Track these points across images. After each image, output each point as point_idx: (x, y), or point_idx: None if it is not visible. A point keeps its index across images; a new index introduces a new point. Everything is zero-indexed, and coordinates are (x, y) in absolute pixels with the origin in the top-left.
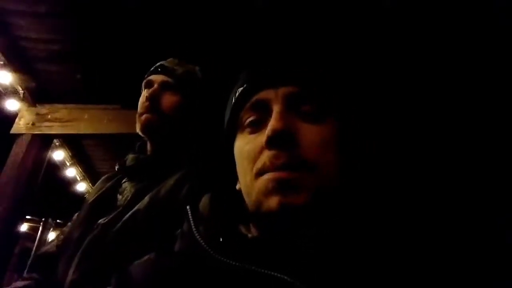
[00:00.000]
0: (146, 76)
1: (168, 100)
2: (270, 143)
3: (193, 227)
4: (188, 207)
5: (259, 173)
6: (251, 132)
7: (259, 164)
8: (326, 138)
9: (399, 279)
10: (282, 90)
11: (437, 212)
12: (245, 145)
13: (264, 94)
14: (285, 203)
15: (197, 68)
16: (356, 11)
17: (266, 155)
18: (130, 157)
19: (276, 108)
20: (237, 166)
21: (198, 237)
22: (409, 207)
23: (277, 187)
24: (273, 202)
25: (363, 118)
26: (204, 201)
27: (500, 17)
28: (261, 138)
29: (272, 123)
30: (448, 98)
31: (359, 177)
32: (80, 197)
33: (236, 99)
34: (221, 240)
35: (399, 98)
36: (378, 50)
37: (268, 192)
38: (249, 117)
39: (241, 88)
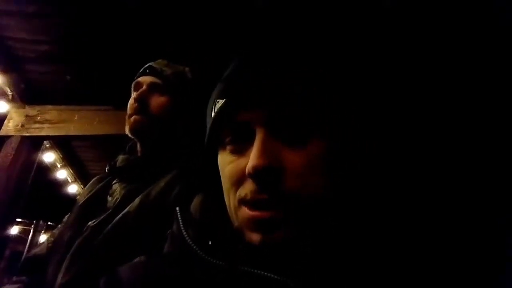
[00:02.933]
0: (135, 77)
1: (156, 101)
2: (252, 178)
3: (182, 229)
4: (177, 208)
5: (241, 202)
6: (233, 152)
7: (242, 192)
8: (313, 163)
9: (397, 282)
10: (264, 112)
11: (437, 216)
12: (227, 165)
13: (245, 115)
14: (267, 240)
15: (187, 69)
16: (356, 12)
17: (248, 186)
18: (120, 158)
19: (258, 135)
20: (221, 179)
21: (187, 239)
22: (408, 210)
23: (258, 227)
24: (255, 237)
25: (355, 130)
26: (195, 202)
27: (500, 17)
28: (244, 161)
29: (253, 158)
30: (449, 99)
31: (352, 188)
32: (72, 199)
33: (216, 115)
34: (210, 243)
35: (398, 102)
36: (378, 53)
37: (249, 228)
38: (229, 136)
39: (221, 102)
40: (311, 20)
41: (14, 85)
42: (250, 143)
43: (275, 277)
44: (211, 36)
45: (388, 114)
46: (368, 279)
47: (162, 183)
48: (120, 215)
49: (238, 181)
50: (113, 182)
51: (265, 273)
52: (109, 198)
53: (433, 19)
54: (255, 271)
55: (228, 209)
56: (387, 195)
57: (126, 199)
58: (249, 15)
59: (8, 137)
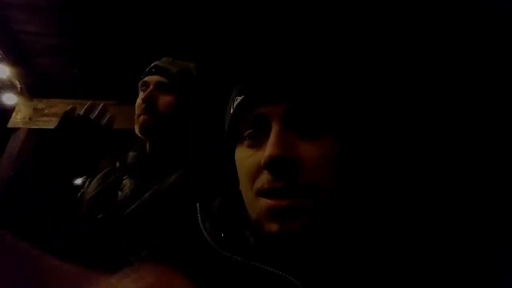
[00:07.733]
0: (141, 77)
1: (164, 100)
2: (268, 168)
3: (200, 222)
4: (198, 204)
5: (259, 194)
6: (250, 146)
7: (258, 184)
8: (326, 155)
9: (398, 283)
10: (281, 107)
11: (436, 218)
12: (245, 160)
13: (262, 109)
14: (285, 229)
15: (192, 65)
16: (357, 13)
17: (265, 177)
18: (130, 154)
19: (274, 128)
20: (238, 175)
21: (204, 231)
22: (409, 211)
23: (276, 216)
24: (273, 227)
25: (365, 129)
26: (215, 203)
27: (501, 18)
28: (260, 155)
29: (269, 148)
30: (451, 101)
31: (359, 187)
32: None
33: (234, 111)
34: (222, 235)
35: (401, 102)
36: (382, 53)
37: (267, 218)
38: (247, 130)
39: (239, 99)
40: (325, 22)
41: (22, 78)
42: (267, 137)
43: (283, 274)
44: (216, 31)
45: (400, 114)
46: (369, 281)
47: (171, 179)
48: (129, 209)
49: (255, 174)
50: (124, 178)
51: (273, 270)
52: (119, 193)
53: (433, 18)
54: (263, 267)
55: (246, 203)
56: (389, 200)
57: (135, 194)
58: (254, 12)
59: (15, 129)
